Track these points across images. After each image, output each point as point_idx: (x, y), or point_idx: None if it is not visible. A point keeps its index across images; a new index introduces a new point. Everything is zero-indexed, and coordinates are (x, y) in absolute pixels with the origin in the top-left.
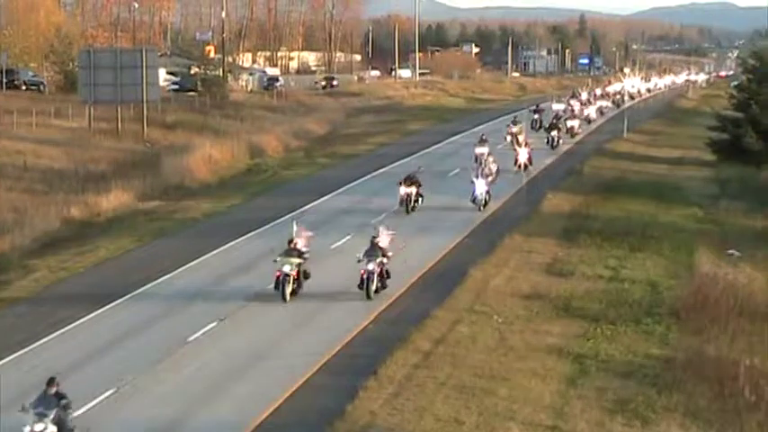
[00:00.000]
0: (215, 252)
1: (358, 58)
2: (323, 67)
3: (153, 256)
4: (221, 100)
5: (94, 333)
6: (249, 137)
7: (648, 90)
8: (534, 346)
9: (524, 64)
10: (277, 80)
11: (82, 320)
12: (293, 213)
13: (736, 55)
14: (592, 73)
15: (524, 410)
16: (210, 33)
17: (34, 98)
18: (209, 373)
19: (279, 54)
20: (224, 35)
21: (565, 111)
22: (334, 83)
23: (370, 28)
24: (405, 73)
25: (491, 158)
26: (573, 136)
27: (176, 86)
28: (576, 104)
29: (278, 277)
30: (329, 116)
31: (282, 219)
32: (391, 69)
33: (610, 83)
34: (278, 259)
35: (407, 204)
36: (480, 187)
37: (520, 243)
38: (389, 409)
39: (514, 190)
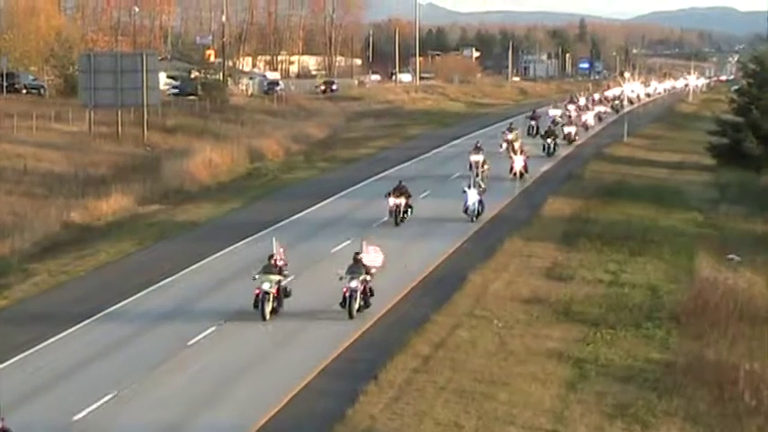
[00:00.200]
0: (215, 256)
1: (358, 62)
2: (323, 72)
3: (153, 260)
4: (221, 104)
5: (90, 341)
6: (249, 141)
7: (648, 95)
8: (534, 350)
9: (525, 68)
10: (277, 84)
11: (80, 325)
12: (293, 217)
13: (736, 59)
14: (592, 77)
15: (524, 415)
16: (211, 37)
17: (34, 102)
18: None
19: (279, 58)
20: (224, 39)
21: (562, 116)
22: (334, 87)
23: (371, 32)
24: (405, 77)
25: (486, 166)
26: (570, 142)
27: (176, 90)
28: (573, 110)
29: (257, 295)
30: (329, 120)
31: (282, 223)
32: (392, 73)
33: (609, 87)
34: (257, 276)
35: (396, 216)
36: (472, 197)
37: (519, 247)
38: (389, 413)
39: (510, 199)
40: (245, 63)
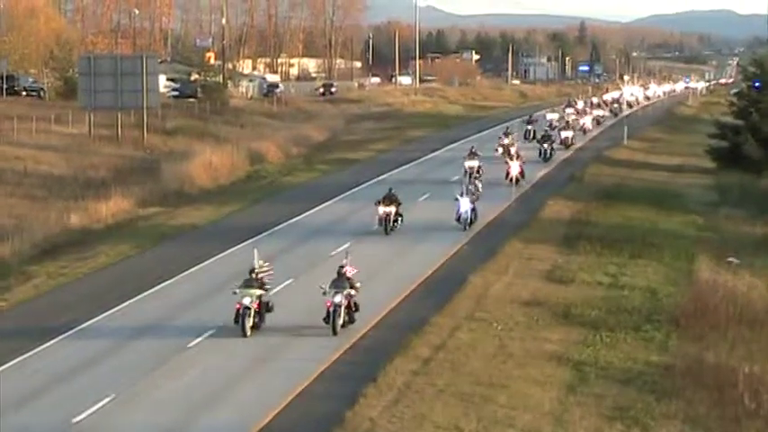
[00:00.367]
0: (214, 259)
1: (358, 64)
2: (323, 74)
3: (151, 263)
4: (221, 106)
5: (88, 344)
6: (249, 143)
7: (647, 98)
8: (534, 352)
9: (524, 71)
10: (277, 87)
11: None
12: (292, 220)
13: (736, 62)
14: (592, 80)
15: (524, 417)
16: (211, 40)
17: (34, 104)
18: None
19: (279, 61)
20: (224, 42)
21: (559, 121)
22: (333, 89)
23: (371, 35)
24: (405, 80)
25: (481, 172)
26: (567, 147)
27: (176, 93)
28: (571, 114)
29: (237, 310)
30: (329, 123)
31: (281, 225)
32: (391, 76)
33: (607, 90)
34: (237, 291)
35: (386, 225)
36: (465, 205)
37: (519, 250)
38: (389, 416)
39: (507, 203)
40: (245, 65)
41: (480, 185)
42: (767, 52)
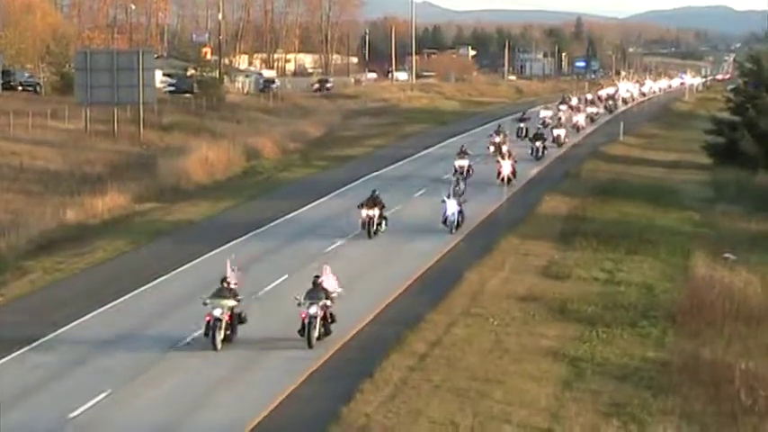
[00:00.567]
0: (209, 254)
1: (355, 60)
2: (319, 70)
3: (148, 259)
4: (217, 102)
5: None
6: (245, 139)
7: (643, 94)
8: (530, 348)
9: (521, 67)
10: (273, 82)
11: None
12: (288, 215)
13: (732, 58)
14: (588, 76)
15: (520, 413)
16: (207, 35)
17: (30, 99)
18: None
19: (275, 56)
20: (220, 37)
21: (552, 118)
22: (328, 85)
23: (367, 30)
24: (401, 75)
25: (471, 171)
26: (560, 146)
27: (173, 88)
28: (565, 111)
29: (208, 322)
30: (325, 118)
31: (278, 221)
32: (388, 72)
33: (602, 87)
34: (208, 301)
35: (369, 228)
36: (452, 207)
37: (516, 245)
38: (385, 411)
39: (500, 201)
40: (242, 61)
41: (464, 186)
42: (764, 48)
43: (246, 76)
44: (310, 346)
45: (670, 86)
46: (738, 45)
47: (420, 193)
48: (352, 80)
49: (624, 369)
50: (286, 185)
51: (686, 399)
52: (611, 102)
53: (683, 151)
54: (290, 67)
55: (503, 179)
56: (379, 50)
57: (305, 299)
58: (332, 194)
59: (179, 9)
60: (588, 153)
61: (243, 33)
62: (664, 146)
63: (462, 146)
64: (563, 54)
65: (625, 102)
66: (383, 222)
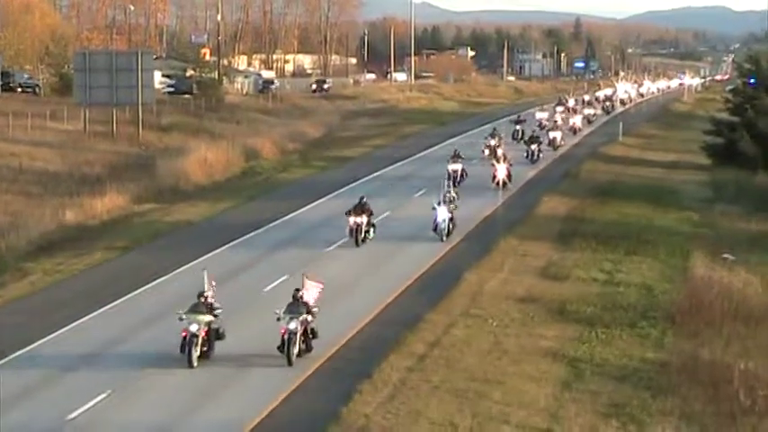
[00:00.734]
0: (208, 256)
1: (353, 61)
2: (318, 70)
3: (147, 260)
4: (216, 103)
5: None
6: (244, 140)
7: (641, 95)
8: (529, 349)
9: (520, 67)
10: (272, 83)
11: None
12: (287, 216)
13: (731, 59)
14: (587, 77)
15: (519, 414)
16: (206, 36)
17: (29, 100)
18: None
19: (274, 57)
20: (219, 38)
21: (549, 120)
22: (325, 86)
23: (366, 31)
24: (400, 76)
25: (464, 176)
26: (555, 149)
27: (172, 89)
28: (561, 113)
29: (184, 338)
30: (324, 119)
31: (276, 222)
32: (387, 72)
33: (600, 87)
34: (184, 316)
35: (357, 235)
36: (442, 214)
37: (515, 246)
38: (384, 412)
39: (498, 203)
40: (241, 62)
41: (455, 193)
42: (762, 48)
43: (245, 76)
44: (290, 363)
45: (669, 87)
46: (737, 46)
47: (420, 193)
48: (351, 81)
49: (623, 370)
50: (285, 186)
51: (685, 399)
52: (608, 103)
53: (682, 152)
54: (289, 67)
55: (498, 183)
56: (378, 51)
57: (284, 313)
58: (331, 195)
59: (178, 10)
60: (587, 153)
61: (242, 34)
62: (663, 146)
63: (456, 149)
64: (562, 55)
65: (623, 103)
66: (371, 230)
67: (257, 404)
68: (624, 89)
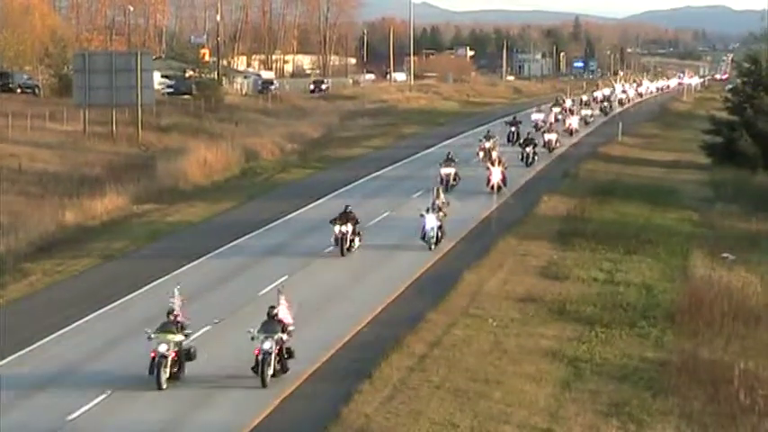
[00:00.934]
0: (208, 256)
1: (353, 61)
2: (318, 71)
3: (147, 260)
4: (216, 103)
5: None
6: (243, 140)
7: (640, 95)
8: (529, 349)
9: (519, 67)
10: (271, 83)
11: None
12: (287, 217)
13: (730, 58)
14: (586, 76)
15: (519, 413)
16: (205, 37)
17: (29, 101)
18: None
19: (273, 57)
20: (219, 38)
21: (544, 121)
22: (323, 86)
23: (365, 31)
24: (399, 76)
25: (457, 180)
26: (551, 151)
27: (171, 90)
28: (558, 113)
29: (153, 358)
30: (324, 119)
31: (276, 222)
32: (386, 73)
33: (598, 87)
34: (152, 336)
35: (342, 245)
36: (431, 222)
37: (514, 246)
38: (384, 412)
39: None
40: (240, 62)
41: (445, 199)
42: (761, 48)
43: (245, 77)
44: (264, 384)
45: (668, 87)
46: (737, 45)
47: (418, 194)
48: (351, 81)
49: (623, 369)
50: (284, 186)
51: (685, 399)
52: (606, 104)
53: (681, 151)
54: (289, 68)
55: (492, 187)
56: (378, 51)
57: (258, 332)
58: (330, 195)
59: (177, 11)
60: (587, 153)
61: (241, 35)
62: (662, 146)
63: (448, 153)
64: (561, 54)
65: (621, 103)
66: (356, 239)
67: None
68: (622, 89)
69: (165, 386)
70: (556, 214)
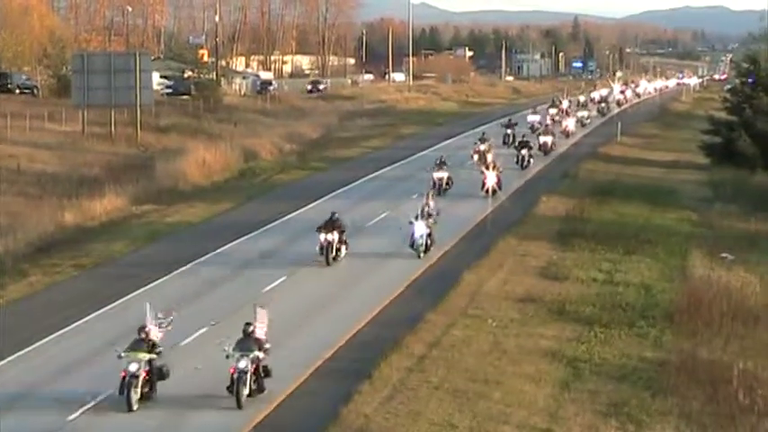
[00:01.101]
0: (208, 256)
1: (352, 61)
2: (316, 71)
3: (146, 261)
4: (215, 104)
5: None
6: (242, 141)
7: (638, 95)
8: (528, 349)
9: (518, 67)
10: (270, 84)
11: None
12: (285, 217)
13: (729, 58)
14: (585, 76)
15: (518, 414)
16: (204, 37)
17: (27, 102)
18: None
19: (272, 58)
20: (217, 39)
21: (541, 123)
22: (321, 87)
23: (364, 32)
24: (398, 77)
25: (449, 184)
26: (546, 153)
27: (170, 90)
28: (555, 115)
29: (123, 378)
30: (322, 120)
31: (275, 223)
32: (385, 73)
33: (595, 88)
34: (123, 354)
35: (328, 254)
36: (420, 230)
37: (514, 246)
38: (384, 412)
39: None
40: (238, 63)
41: (434, 206)
42: (760, 48)
43: (243, 77)
44: (239, 405)
45: (666, 87)
46: (735, 45)
47: (417, 195)
48: (349, 81)
49: (622, 369)
50: (283, 187)
51: (684, 399)
52: (603, 104)
53: (680, 151)
54: (287, 68)
55: (487, 191)
56: (377, 52)
57: (234, 350)
58: (329, 196)
59: (175, 11)
60: (586, 153)
61: (240, 35)
62: (661, 146)
63: (441, 156)
64: (560, 54)
65: (619, 104)
66: (343, 248)
67: None
68: (620, 89)
69: (135, 407)
70: (555, 214)
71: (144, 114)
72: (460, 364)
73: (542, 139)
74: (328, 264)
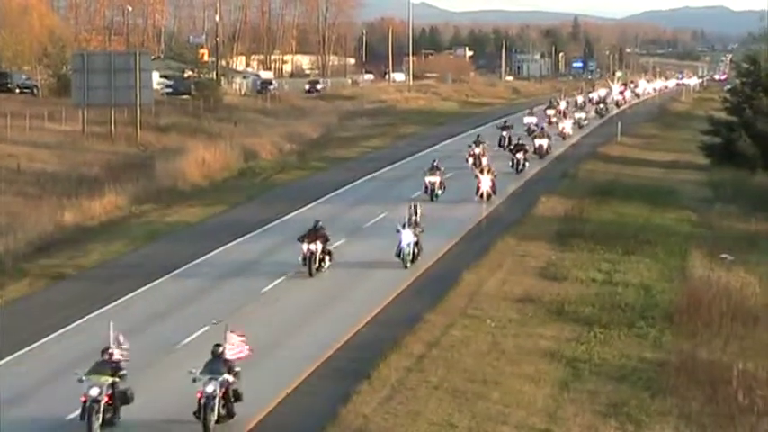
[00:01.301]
0: (207, 256)
1: (352, 61)
2: (316, 71)
3: (145, 261)
4: (214, 103)
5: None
6: (242, 140)
7: (637, 96)
8: (527, 349)
9: (518, 67)
10: (270, 83)
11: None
12: (285, 217)
13: (729, 59)
14: (585, 76)
15: (517, 414)
16: (204, 37)
17: (27, 101)
18: None
19: (272, 57)
20: (217, 38)
21: (537, 125)
22: (318, 86)
23: (364, 31)
24: (398, 76)
25: (442, 189)
26: (542, 157)
27: (170, 90)
28: (552, 117)
29: (84, 403)
30: (322, 119)
31: (275, 223)
32: (385, 73)
33: (594, 88)
34: (84, 378)
35: (311, 265)
36: (407, 238)
37: (513, 247)
38: (383, 413)
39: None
40: (239, 62)
41: (420, 213)
42: (760, 48)
43: (243, 77)
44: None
45: (666, 87)
46: (735, 45)
47: (417, 194)
48: (350, 81)
49: (622, 369)
50: (283, 187)
51: (684, 399)
52: (601, 105)
53: (680, 152)
54: (288, 68)
55: (482, 195)
56: (377, 51)
57: (202, 373)
58: (328, 196)
59: (176, 11)
60: (585, 153)
61: (240, 35)
62: (661, 146)
63: (434, 160)
64: (560, 54)
65: (618, 105)
66: (326, 258)
67: None
68: (619, 89)
69: None
70: (554, 215)
71: (144, 114)
72: (459, 365)
73: (538, 142)
74: (311, 275)
